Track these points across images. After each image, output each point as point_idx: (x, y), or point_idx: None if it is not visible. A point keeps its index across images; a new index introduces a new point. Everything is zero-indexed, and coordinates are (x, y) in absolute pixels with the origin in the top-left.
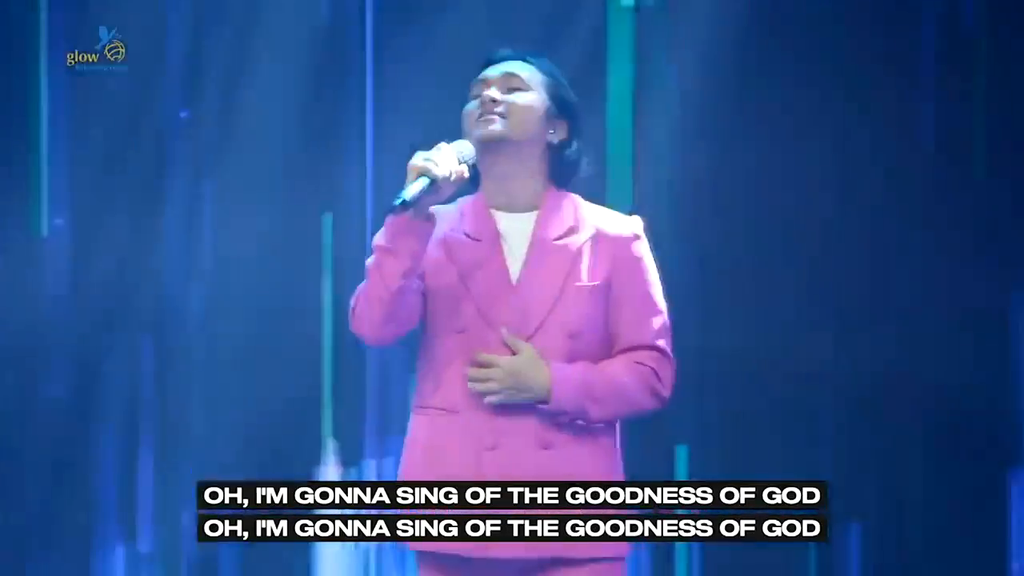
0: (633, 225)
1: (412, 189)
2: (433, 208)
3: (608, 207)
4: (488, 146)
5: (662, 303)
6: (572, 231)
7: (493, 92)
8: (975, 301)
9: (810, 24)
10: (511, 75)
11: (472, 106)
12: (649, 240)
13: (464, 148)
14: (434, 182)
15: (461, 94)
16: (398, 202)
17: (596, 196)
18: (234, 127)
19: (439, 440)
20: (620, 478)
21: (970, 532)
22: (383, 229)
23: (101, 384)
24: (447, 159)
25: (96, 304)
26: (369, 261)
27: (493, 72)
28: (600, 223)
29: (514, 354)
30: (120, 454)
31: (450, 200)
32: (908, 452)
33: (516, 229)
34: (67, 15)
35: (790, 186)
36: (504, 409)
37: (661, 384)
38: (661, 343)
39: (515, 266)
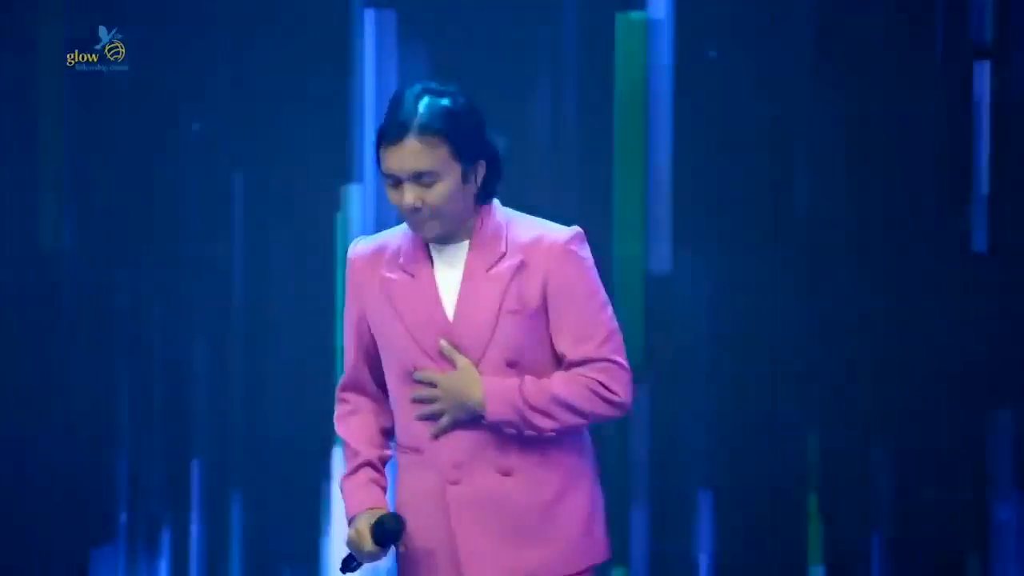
0: (565, 237)
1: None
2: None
3: (617, 219)
4: None
5: (603, 313)
6: (503, 257)
7: (410, 198)
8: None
9: (819, 32)
10: (419, 173)
11: (397, 201)
12: (660, 252)
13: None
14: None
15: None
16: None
17: (601, 211)
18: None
19: (410, 480)
20: (586, 501)
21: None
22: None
23: (119, 383)
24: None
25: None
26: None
27: (398, 164)
28: (529, 243)
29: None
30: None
31: None
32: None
33: (449, 262)
34: (67, 15)
35: (802, 193)
36: (463, 441)
37: (609, 391)
38: (605, 353)
39: (449, 301)
